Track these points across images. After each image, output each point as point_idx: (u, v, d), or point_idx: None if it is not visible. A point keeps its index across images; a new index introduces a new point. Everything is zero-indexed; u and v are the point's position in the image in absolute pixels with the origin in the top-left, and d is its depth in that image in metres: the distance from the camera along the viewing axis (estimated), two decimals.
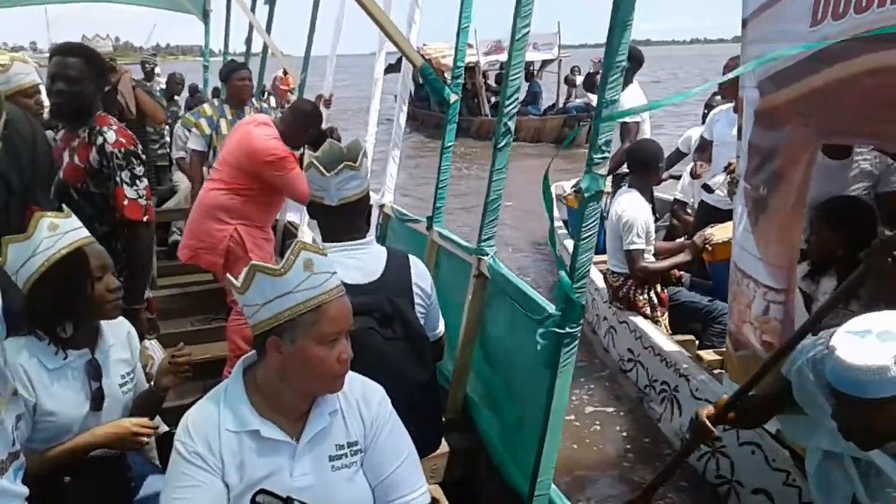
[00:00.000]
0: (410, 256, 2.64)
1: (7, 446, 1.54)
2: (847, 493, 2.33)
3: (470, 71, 18.44)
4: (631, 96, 5.77)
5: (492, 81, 21.46)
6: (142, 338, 3.10)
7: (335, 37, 6.03)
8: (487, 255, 3.13)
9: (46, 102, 3.38)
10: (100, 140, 3.06)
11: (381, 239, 4.80)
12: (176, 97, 8.98)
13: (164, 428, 2.48)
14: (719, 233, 4.58)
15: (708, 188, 5.22)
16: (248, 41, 7.71)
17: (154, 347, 3.22)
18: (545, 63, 20.63)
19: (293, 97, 9.44)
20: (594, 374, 5.13)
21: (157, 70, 9.45)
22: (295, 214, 6.12)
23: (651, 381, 4.39)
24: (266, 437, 1.74)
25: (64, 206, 2.29)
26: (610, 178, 5.61)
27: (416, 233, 4.19)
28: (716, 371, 3.97)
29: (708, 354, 4.27)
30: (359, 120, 18.03)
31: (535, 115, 19.25)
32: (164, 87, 9.21)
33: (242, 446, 1.73)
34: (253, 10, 7.22)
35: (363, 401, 1.88)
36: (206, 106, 5.44)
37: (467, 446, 3.19)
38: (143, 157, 3.23)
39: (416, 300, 2.56)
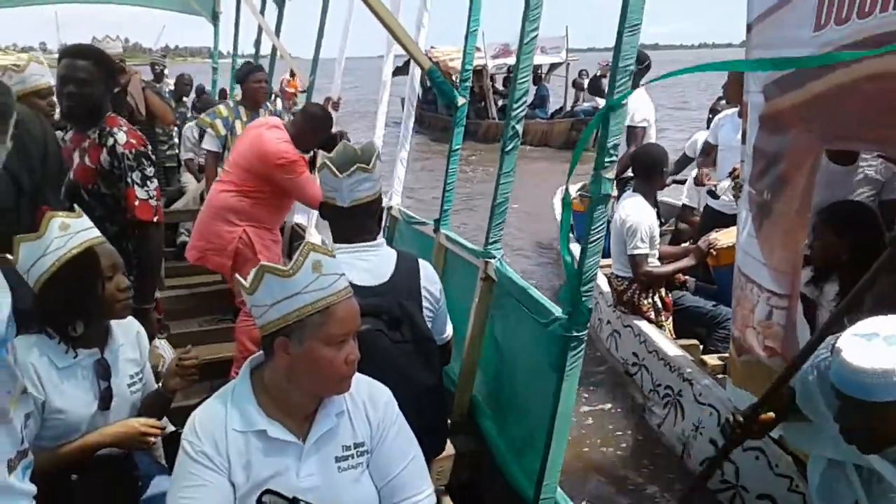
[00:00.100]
0: (420, 260, 2.65)
1: (16, 444, 1.54)
2: (849, 502, 2.33)
3: (477, 74, 18.44)
4: (636, 101, 5.77)
5: (499, 85, 21.45)
6: (152, 338, 3.12)
7: (343, 39, 6.05)
8: (495, 258, 3.13)
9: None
10: (110, 141, 3.08)
11: (388, 241, 4.79)
12: (185, 98, 9.00)
13: (170, 428, 2.49)
14: (724, 237, 4.58)
15: (713, 194, 5.22)
16: (258, 43, 7.73)
17: (164, 347, 3.24)
18: (553, 66, 20.62)
19: (300, 100, 9.47)
20: (597, 377, 5.13)
21: (165, 72, 9.47)
22: (302, 216, 6.13)
23: (655, 385, 4.39)
24: (273, 438, 1.75)
25: (75, 206, 2.30)
26: (614, 182, 5.61)
27: (423, 235, 4.20)
28: (719, 376, 3.96)
29: (712, 359, 4.26)
30: (366, 123, 18.08)
31: (542, 118, 19.24)
32: (172, 88, 9.23)
33: (249, 446, 1.73)
34: (262, 12, 7.24)
35: (370, 402, 1.89)
36: (221, 107, 5.44)
37: (473, 449, 3.18)
38: (153, 157, 3.25)
39: (425, 304, 2.56)
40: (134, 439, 2.18)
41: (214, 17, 8.63)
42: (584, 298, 2.27)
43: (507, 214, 3.16)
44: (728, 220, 4.78)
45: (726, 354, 3.95)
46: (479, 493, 3.16)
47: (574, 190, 7.70)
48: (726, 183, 4.96)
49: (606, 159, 2.14)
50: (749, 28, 3.15)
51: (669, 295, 4.84)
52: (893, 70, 2.26)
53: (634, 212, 4.63)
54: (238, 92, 5.96)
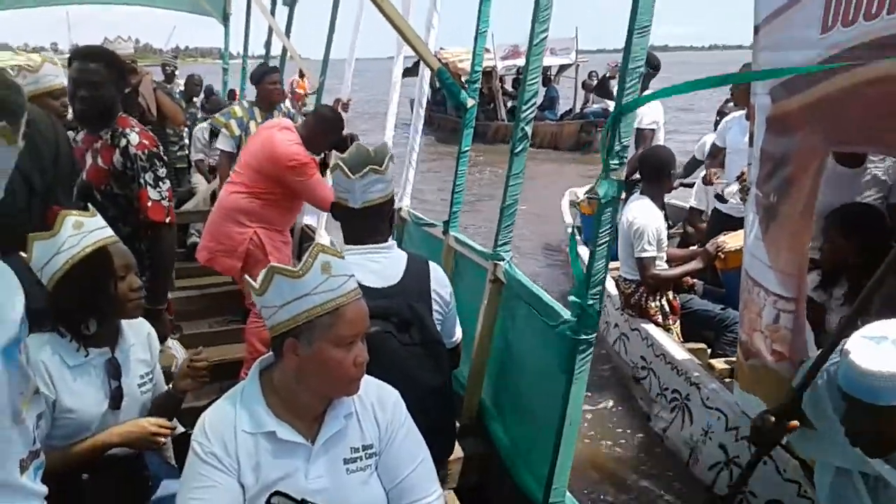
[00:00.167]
0: (431, 263, 2.64)
1: (28, 445, 1.55)
2: None
3: (487, 75, 18.43)
4: (645, 104, 5.75)
5: (508, 86, 21.41)
6: (164, 338, 3.13)
7: (353, 40, 6.05)
8: (504, 260, 3.13)
9: None
10: (123, 142, 3.09)
11: (397, 243, 4.80)
12: (195, 99, 9.03)
13: (180, 429, 2.50)
14: (732, 240, 4.56)
15: (721, 197, 5.20)
16: (268, 44, 7.76)
17: (176, 348, 3.25)
18: (562, 68, 20.58)
19: (309, 101, 9.49)
20: (603, 379, 5.12)
21: (176, 72, 9.50)
22: (312, 218, 6.14)
23: (662, 389, 4.38)
24: (282, 439, 1.75)
25: (89, 205, 2.32)
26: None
27: (431, 237, 4.20)
28: (727, 380, 3.95)
29: (719, 363, 4.25)
30: (374, 123, 18.07)
31: (552, 120, 19.19)
32: (182, 89, 9.25)
33: (258, 447, 1.74)
34: (273, 13, 7.27)
35: (378, 404, 1.89)
36: (236, 107, 5.44)
37: (482, 452, 3.18)
38: (165, 158, 3.26)
39: (435, 306, 2.56)
40: (144, 439, 2.19)
41: (225, 18, 8.67)
42: (592, 301, 2.27)
43: (516, 216, 3.16)
44: (736, 224, 4.76)
45: (734, 358, 3.94)
46: (488, 497, 3.16)
47: (582, 192, 7.71)
48: (734, 187, 4.95)
49: (615, 162, 2.14)
50: (756, 30, 3.14)
51: (677, 298, 4.82)
52: (893, 74, 2.26)
53: (641, 214, 4.62)
54: (249, 92, 5.97)
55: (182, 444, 2.11)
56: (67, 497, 2.00)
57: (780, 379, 3.02)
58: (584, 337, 2.31)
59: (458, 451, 3.02)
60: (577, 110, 19.69)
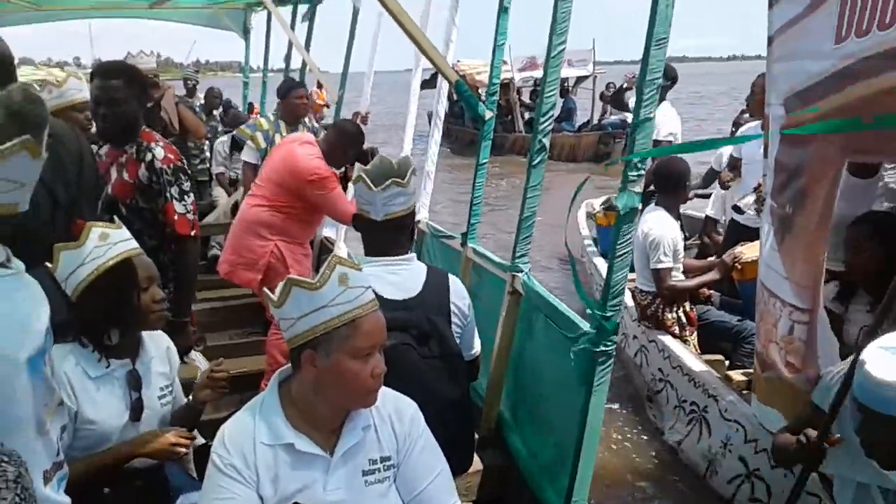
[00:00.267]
0: (450, 275, 2.64)
1: (52, 456, 1.57)
2: None
3: (504, 87, 18.37)
4: (663, 115, 5.75)
5: (526, 98, 21.39)
6: (188, 350, 3.15)
7: (372, 54, 6.09)
8: (522, 271, 3.13)
9: None
10: (149, 156, 3.11)
11: (416, 255, 4.82)
12: (214, 112, 9.10)
13: (200, 440, 2.51)
14: (749, 251, 4.52)
15: (738, 209, 5.18)
16: (287, 58, 7.81)
17: (200, 359, 3.27)
18: (580, 79, 20.52)
19: (326, 113, 9.52)
20: (618, 389, 5.09)
21: (197, 86, 9.59)
22: (331, 230, 6.16)
23: (680, 401, 4.35)
24: (300, 451, 1.76)
25: (115, 217, 2.35)
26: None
27: (450, 249, 4.21)
28: (745, 392, 3.92)
29: (737, 375, 4.20)
30: (390, 135, 18.11)
31: (569, 131, 19.15)
32: (202, 102, 9.33)
33: (277, 459, 1.75)
34: (293, 27, 7.32)
35: (396, 416, 1.90)
36: (262, 120, 5.48)
37: (500, 464, 3.17)
38: (189, 172, 3.29)
39: (454, 319, 2.56)
40: (165, 450, 2.20)
41: (245, 32, 8.73)
42: (611, 313, 2.27)
43: (533, 228, 3.16)
44: (753, 234, 4.72)
45: (751, 370, 3.92)
46: None
47: (598, 204, 7.69)
48: (751, 198, 4.92)
49: (633, 174, 2.14)
50: (770, 41, 3.13)
51: (694, 309, 4.79)
52: None
53: (657, 225, 4.60)
54: (269, 106, 6.01)
55: (202, 457, 2.12)
56: None
57: (796, 391, 2.99)
58: (604, 349, 2.31)
59: (476, 464, 2.99)
60: (595, 122, 19.68)
